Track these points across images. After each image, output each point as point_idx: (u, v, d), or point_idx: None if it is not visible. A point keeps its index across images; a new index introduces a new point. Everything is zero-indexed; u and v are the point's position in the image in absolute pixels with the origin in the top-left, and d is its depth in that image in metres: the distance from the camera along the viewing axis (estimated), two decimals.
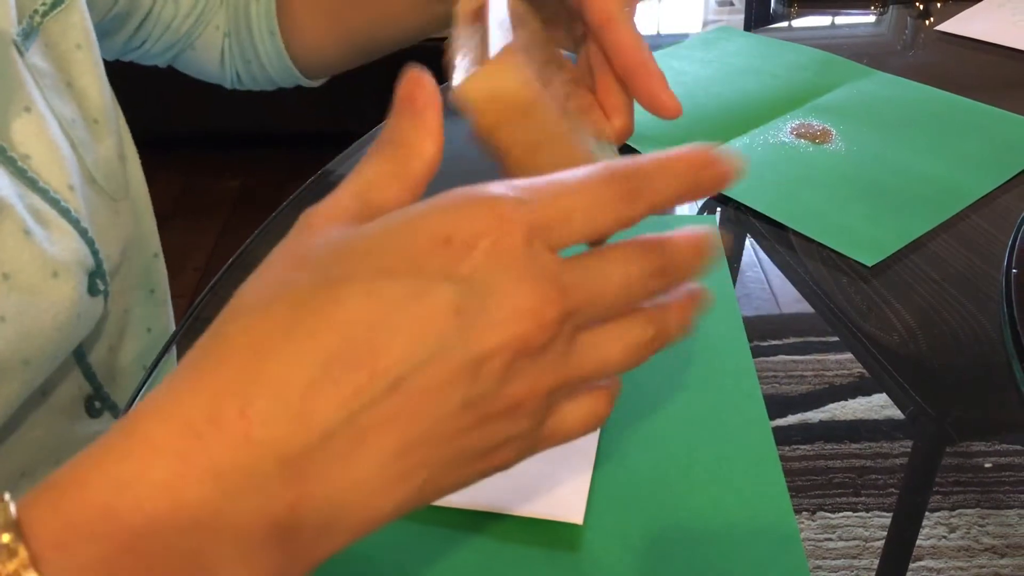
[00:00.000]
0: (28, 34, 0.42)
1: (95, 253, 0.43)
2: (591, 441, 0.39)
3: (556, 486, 0.37)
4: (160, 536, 0.19)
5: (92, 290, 0.43)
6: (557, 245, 0.23)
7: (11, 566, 0.19)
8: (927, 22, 0.84)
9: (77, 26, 0.45)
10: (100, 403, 0.47)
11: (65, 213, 0.42)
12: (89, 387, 0.46)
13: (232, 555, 0.20)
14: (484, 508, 0.36)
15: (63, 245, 0.41)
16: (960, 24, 0.82)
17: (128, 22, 0.54)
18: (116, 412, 0.48)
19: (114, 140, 0.47)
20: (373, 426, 0.21)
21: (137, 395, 0.46)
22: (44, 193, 0.41)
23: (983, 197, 0.56)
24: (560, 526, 0.35)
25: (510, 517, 0.36)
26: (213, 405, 0.20)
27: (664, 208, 0.25)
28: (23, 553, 0.19)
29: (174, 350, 0.48)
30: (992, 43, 0.79)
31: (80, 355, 0.46)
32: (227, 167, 2.00)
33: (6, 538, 0.19)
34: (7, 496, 0.20)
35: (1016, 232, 0.52)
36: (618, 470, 0.38)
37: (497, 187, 0.23)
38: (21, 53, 0.41)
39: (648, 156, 0.26)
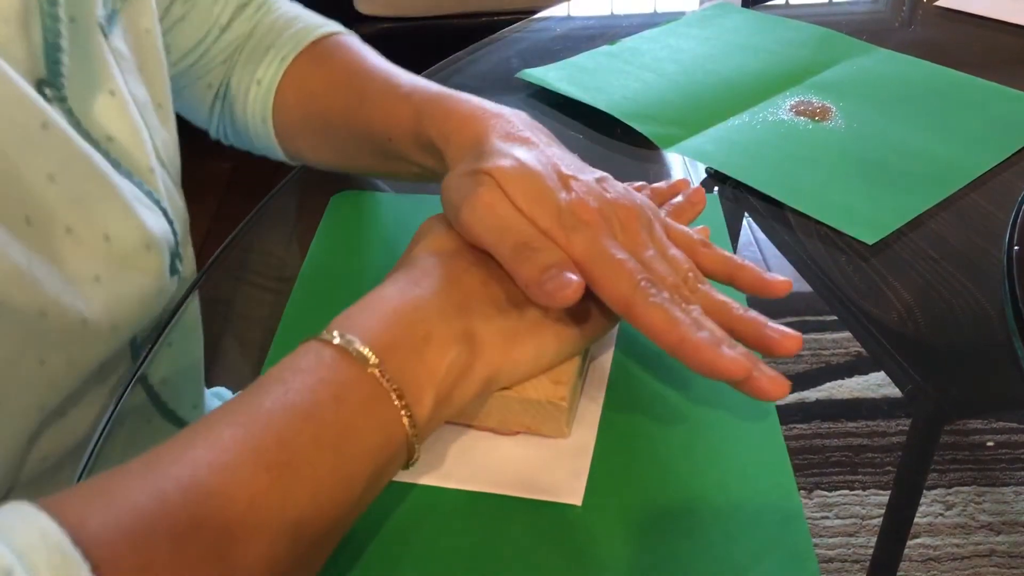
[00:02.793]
0: (111, 18, 0.43)
1: (175, 234, 0.45)
2: (592, 422, 0.39)
3: (556, 468, 0.37)
4: (407, 316, 0.34)
5: (173, 270, 0.44)
6: None
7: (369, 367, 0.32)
8: None
9: (147, 10, 0.46)
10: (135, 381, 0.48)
11: (149, 194, 0.43)
12: (131, 362, 0.47)
13: (438, 319, 0.34)
14: (485, 489, 0.36)
15: (154, 222, 0.42)
16: None
17: None
18: (149, 391, 0.48)
19: (174, 126, 0.48)
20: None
21: (137, 371, 0.46)
22: (130, 176, 0.42)
23: (983, 174, 0.56)
24: (560, 507, 0.35)
25: (510, 498, 0.36)
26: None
27: None
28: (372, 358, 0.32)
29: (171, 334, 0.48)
30: (992, 18, 0.78)
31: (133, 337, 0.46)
32: (219, 149, 1.99)
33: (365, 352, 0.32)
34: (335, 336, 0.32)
35: (1016, 209, 0.52)
36: (619, 451, 0.37)
37: None
38: (106, 36, 0.42)
39: None
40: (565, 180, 0.36)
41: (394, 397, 0.31)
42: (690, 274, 0.37)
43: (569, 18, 0.85)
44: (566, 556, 0.33)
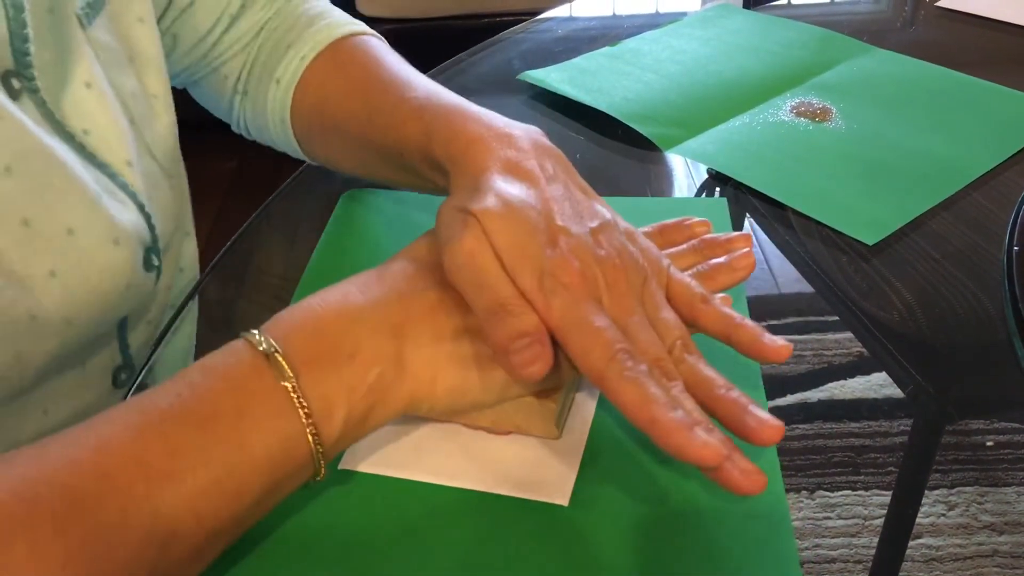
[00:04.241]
0: (94, 6, 0.42)
1: (151, 228, 0.44)
2: (583, 424, 0.39)
3: (545, 467, 0.37)
4: (338, 327, 0.33)
5: (147, 265, 0.43)
6: None
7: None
8: None
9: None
10: (127, 375, 0.47)
11: (124, 188, 0.42)
12: (121, 358, 0.46)
13: (368, 336, 0.34)
14: (474, 487, 0.36)
15: (125, 216, 0.41)
16: (960, 0, 0.81)
17: None
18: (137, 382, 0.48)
19: (171, 117, 0.48)
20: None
21: (143, 369, 0.46)
22: (103, 168, 0.42)
23: (984, 175, 0.56)
24: (548, 507, 0.35)
25: (499, 497, 0.36)
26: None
27: None
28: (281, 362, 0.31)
29: (175, 330, 0.48)
30: (992, 19, 0.78)
31: (122, 329, 0.46)
32: (223, 148, 1.99)
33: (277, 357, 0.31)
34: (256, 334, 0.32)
35: (1017, 210, 0.52)
36: (609, 453, 0.38)
37: None
38: (83, 27, 0.41)
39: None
40: (554, 233, 0.34)
41: (302, 415, 0.31)
42: (678, 343, 0.34)
43: (570, 19, 0.85)
44: (552, 555, 0.34)
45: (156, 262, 0.44)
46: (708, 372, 0.33)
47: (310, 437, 0.31)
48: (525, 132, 0.39)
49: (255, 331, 0.32)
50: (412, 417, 0.39)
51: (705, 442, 0.30)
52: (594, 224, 0.36)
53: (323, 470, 0.32)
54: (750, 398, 0.32)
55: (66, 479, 0.27)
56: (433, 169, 0.42)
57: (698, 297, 0.37)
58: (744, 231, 0.54)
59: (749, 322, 0.35)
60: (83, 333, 0.41)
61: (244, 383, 0.31)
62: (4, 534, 0.26)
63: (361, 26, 0.54)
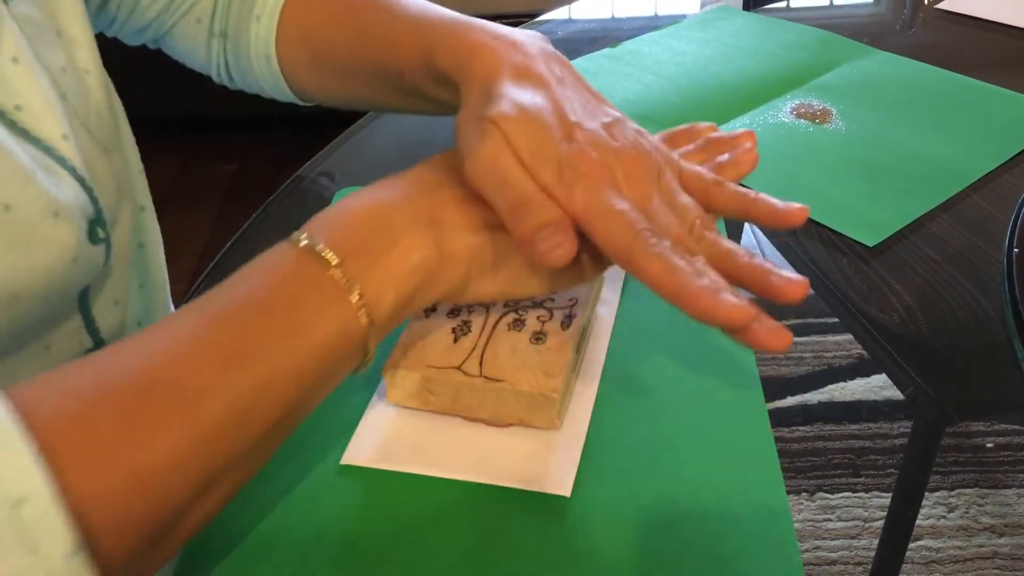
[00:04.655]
0: None
1: (94, 201, 0.43)
2: (584, 415, 0.39)
3: (547, 459, 0.37)
4: (375, 220, 0.35)
5: (93, 238, 0.43)
6: None
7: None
8: (927, 0, 0.84)
9: None
10: None
11: (61, 162, 0.42)
12: (91, 341, 0.46)
13: (406, 225, 0.35)
14: (475, 480, 0.36)
15: (64, 190, 0.41)
16: (960, 2, 0.81)
17: None
18: None
19: (104, 92, 0.47)
20: None
21: None
22: (37, 143, 0.41)
23: (984, 176, 0.56)
24: (549, 498, 0.35)
25: (500, 489, 0.36)
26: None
27: None
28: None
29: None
30: (992, 21, 0.78)
31: (85, 308, 0.45)
32: (223, 151, 1.99)
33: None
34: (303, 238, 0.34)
35: (1017, 212, 0.52)
36: (610, 444, 0.38)
37: None
38: (6, 2, 0.41)
39: None
40: (569, 129, 0.36)
41: (352, 297, 0.33)
42: (697, 222, 0.36)
43: (570, 21, 0.85)
44: (554, 546, 0.34)
45: (103, 235, 0.44)
46: (729, 245, 0.35)
47: (363, 319, 0.33)
48: (530, 38, 0.40)
49: (296, 232, 0.34)
50: (413, 411, 0.39)
51: (734, 303, 0.31)
52: (607, 120, 0.38)
53: (371, 352, 0.34)
54: (773, 264, 0.34)
55: (142, 365, 0.29)
56: (438, 84, 0.42)
57: (711, 181, 0.38)
58: (743, 228, 0.54)
59: (764, 195, 0.38)
60: (34, 309, 0.40)
61: (294, 275, 0.33)
62: (88, 418, 0.27)
63: None
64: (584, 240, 0.34)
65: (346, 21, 0.48)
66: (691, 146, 0.43)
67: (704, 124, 0.44)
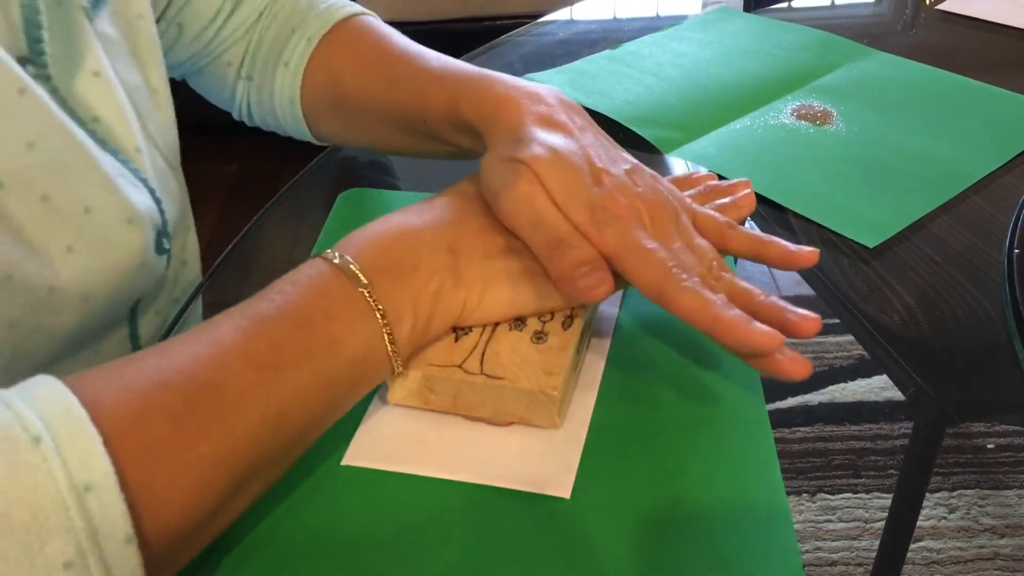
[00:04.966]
0: (97, 2, 0.44)
1: (162, 212, 0.45)
2: (584, 415, 0.39)
3: (547, 460, 0.37)
4: (401, 245, 0.38)
5: (159, 248, 0.45)
6: None
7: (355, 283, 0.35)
8: (928, 1, 0.84)
9: None
10: None
11: (135, 172, 0.44)
12: (130, 347, 0.47)
13: (427, 252, 0.38)
14: (475, 480, 0.36)
15: (138, 199, 0.43)
16: (961, 3, 0.81)
17: None
18: None
19: (170, 111, 0.49)
20: None
21: None
22: (115, 153, 0.43)
23: (984, 178, 0.56)
24: (549, 499, 0.35)
25: (500, 491, 0.36)
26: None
27: None
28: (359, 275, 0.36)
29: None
30: (993, 22, 0.78)
31: (134, 318, 0.47)
32: (224, 152, 1.99)
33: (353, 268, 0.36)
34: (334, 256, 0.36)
35: (1017, 212, 0.52)
36: (610, 445, 0.38)
37: None
38: (90, 19, 0.43)
39: None
40: (598, 174, 0.38)
41: (378, 316, 0.35)
42: (714, 263, 0.39)
43: (571, 22, 0.85)
44: (554, 548, 0.34)
45: (167, 245, 0.46)
46: (745, 285, 0.38)
47: (386, 336, 0.35)
48: (549, 91, 0.43)
49: (329, 250, 0.37)
50: (413, 411, 0.39)
51: (765, 331, 0.34)
52: (627, 167, 0.41)
53: (398, 367, 0.37)
54: (786, 303, 0.36)
55: (189, 368, 0.31)
56: (460, 132, 0.45)
57: (724, 224, 0.41)
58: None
59: (775, 238, 0.41)
60: (99, 311, 0.42)
61: (328, 290, 0.35)
62: (145, 416, 0.29)
63: (359, 7, 0.56)
64: None
65: (374, 71, 0.51)
66: (693, 191, 0.45)
67: (703, 172, 0.48)
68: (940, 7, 0.82)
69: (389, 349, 0.36)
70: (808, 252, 0.40)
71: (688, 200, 0.42)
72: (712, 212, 0.42)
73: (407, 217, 0.39)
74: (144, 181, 0.44)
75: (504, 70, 0.46)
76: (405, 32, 0.53)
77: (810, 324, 0.35)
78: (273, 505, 0.35)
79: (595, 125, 0.43)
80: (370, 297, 0.35)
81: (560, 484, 0.36)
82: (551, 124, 0.40)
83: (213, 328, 0.33)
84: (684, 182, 0.46)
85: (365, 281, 0.35)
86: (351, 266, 0.36)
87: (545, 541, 0.34)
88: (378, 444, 0.38)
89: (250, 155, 2.00)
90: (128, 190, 0.42)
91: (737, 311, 0.35)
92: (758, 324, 0.34)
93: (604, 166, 0.39)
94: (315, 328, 0.34)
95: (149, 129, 0.47)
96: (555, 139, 0.39)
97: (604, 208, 0.37)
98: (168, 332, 0.48)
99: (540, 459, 0.37)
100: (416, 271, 0.37)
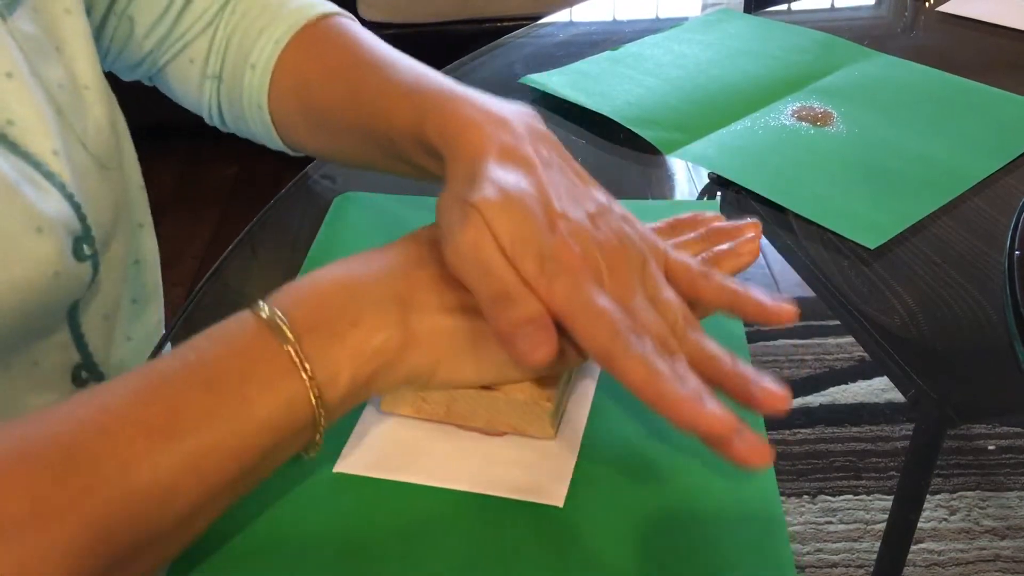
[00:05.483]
0: (12, 1, 0.42)
1: (82, 218, 0.43)
2: (578, 424, 0.39)
3: (540, 469, 0.37)
4: (340, 297, 0.34)
5: (78, 255, 0.43)
6: None
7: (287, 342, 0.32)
8: (928, 3, 0.84)
9: None
10: (87, 373, 0.46)
11: (49, 177, 0.42)
12: (78, 356, 0.46)
13: (371, 305, 0.34)
14: (468, 489, 0.36)
15: (49, 205, 0.41)
16: (961, 5, 0.81)
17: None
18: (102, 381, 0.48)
19: (105, 108, 0.47)
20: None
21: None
22: (27, 158, 0.41)
23: (985, 179, 0.56)
24: (542, 508, 0.35)
25: (493, 499, 0.36)
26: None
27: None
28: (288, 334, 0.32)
29: (169, 344, 0.48)
30: (994, 24, 0.78)
31: (75, 323, 0.45)
32: (224, 155, 2.00)
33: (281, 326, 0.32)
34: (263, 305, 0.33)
35: (1018, 214, 0.52)
36: (604, 454, 0.38)
37: None
38: (4, 18, 0.41)
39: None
40: (553, 218, 0.34)
41: (305, 377, 0.32)
42: (680, 320, 0.35)
43: (572, 24, 0.85)
44: (547, 557, 0.34)
45: (89, 252, 0.43)
46: (712, 348, 0.34)
47: (313, 399, 0.32)
48: (519, 116, 0.39)
49: (259, 301, 0.33)
50: (406, 419, 0.39)
51: (715, 414, 0.30)
52: (591, 208, 0.36)
53: (321, 435, 0.33)
54: (756, 371, 0.33)
55: (67, 437, 0.28)
56: (427, 154, 0.41)
57: (697, 273, 0.37)
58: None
59: (752, 288, 0.36)
60: (15, 323, 0.40)
61: (248, 348, 0.32)
62: (4, 489, 0.27)
63: (333, 7, 0.52)
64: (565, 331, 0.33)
65: (341, 80, 0.47)
66: (693, 234, 0.41)
67: (710, 213, 0.43)
68: (940, 9, 0.82)
69: (316, 412, 0.32)
70: (787, 309, 0.36)
71: (663, 245, 0.38)
72: (688, 259, 0.38)
73: (353, 266, 0.36)
74: (61, 186, 0.42)
75: (504, 71, 0.45)
76: (405, 33, 0.53)
77: (776, 401, 0.32)
78: (264, 513, 0.35)
79: (566, 155, 0.39)
80: (296, 356, 0.32)
81: (553, 493, 0.36)
82: (513, 157, 0.36)
83: (104, 390, 0.31)
84: (688, 223, 0.42)
85: (291, 337, 0.32)
86: (278, 321, 0.32)
87: (538, 550, 0.34)
88: (370, 451, 0.38)
89: (250, 158, 2.00)
90: (35, 197, 0.40)
91: (691, 385, 0.31)
92: (710, 403, 0.30)
93: (563, 209, 0.35)
94: (226, 389, 0.31)
95: (75, 129, 0.44)
96: (510, 178, 0.35)
97: (555, 258, 0.33)
98: (163, 343, 0.48)
99: (533, 468, 0.37)
100: (356, 327, 0.33)
